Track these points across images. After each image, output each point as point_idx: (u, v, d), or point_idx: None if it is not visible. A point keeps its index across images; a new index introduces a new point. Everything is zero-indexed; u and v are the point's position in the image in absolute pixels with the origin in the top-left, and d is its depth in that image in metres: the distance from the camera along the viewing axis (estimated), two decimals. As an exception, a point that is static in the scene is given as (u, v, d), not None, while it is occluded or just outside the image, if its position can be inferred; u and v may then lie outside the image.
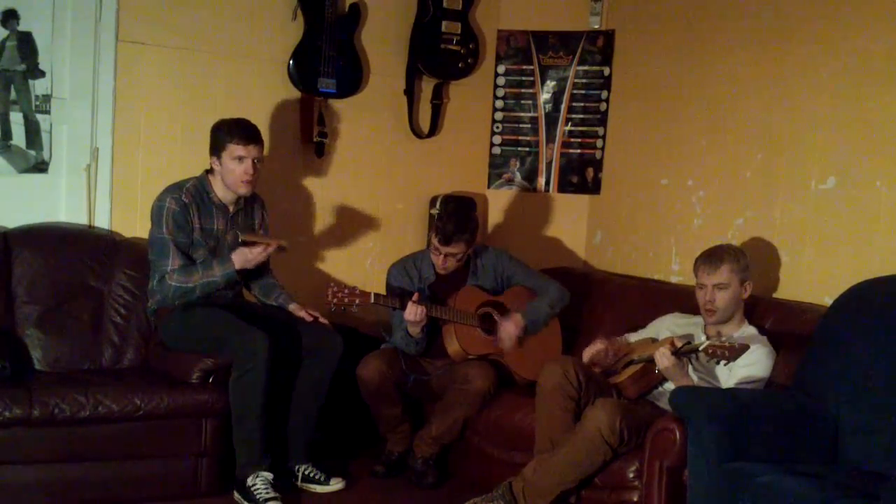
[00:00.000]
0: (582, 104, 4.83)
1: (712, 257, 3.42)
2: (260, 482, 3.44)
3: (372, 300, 3.75)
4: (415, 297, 3.77)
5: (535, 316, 3.97)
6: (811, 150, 3.72)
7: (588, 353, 3.58)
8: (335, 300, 3.70)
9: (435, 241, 3.88)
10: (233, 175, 3.65)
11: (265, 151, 3.84)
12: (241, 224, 3.81)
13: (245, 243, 3.67)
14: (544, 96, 4.89)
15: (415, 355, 3.95)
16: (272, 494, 3.42)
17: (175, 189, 3.68)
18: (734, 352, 3.07)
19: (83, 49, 3.97)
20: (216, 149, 3.66)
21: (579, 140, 4.85)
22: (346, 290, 3.72)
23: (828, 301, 3.40)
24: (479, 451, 3.82)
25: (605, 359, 3.57)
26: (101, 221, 4.05)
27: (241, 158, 3.62)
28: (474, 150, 4.95)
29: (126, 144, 4.08)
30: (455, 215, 3.91)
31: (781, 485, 2.66)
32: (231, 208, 3.76)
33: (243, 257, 3.64)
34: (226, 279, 3.65)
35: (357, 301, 3.72)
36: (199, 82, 4.21)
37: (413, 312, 3.74)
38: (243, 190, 3.70)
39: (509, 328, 3.90)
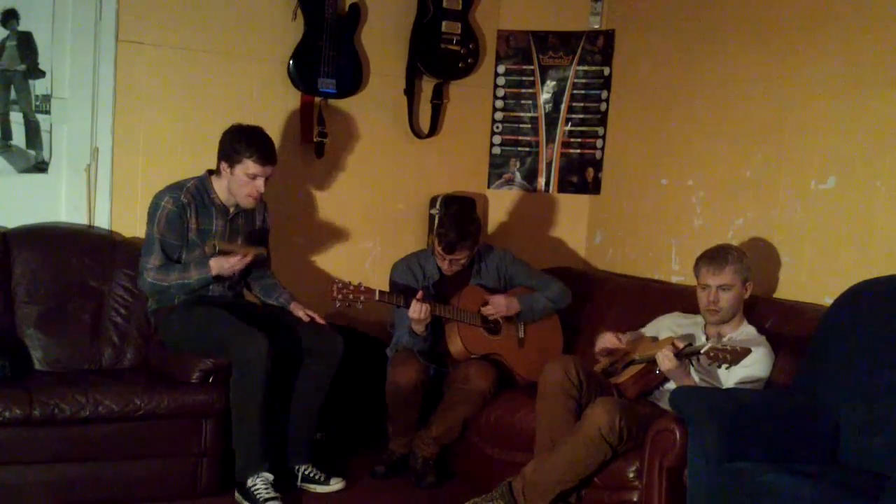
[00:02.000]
0: (582, 104, 4.83)
1: (717, 258, 3.41)
2: (260, 482, 3.44)
3: (377, 297, 3.76)
4: (419, 295, 3.78)
5: (530, 303, 3.99)
6: (811, 150, 3.72)
7: (601, 343, 3.61)
8: (340, 296, 3.71)
9: (439, 248, 3.88)
10: (242, 189, 3.64)
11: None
12: (242, 225, 3.80)
13: (223, 253, 3.64)
14: (544, 96, 4.89)
15: (429, 351, 3.95)
16: (273, 494, 3.42)
17: (175, 189, 3.67)
18: (736, 356, 3.06)
19: (83, 49, 3.97)
20: (230, 158, 3.61)
21: (579, 140, 4.85)
22: (352, 287, 3.73)
23: (828, 301, 3.39)
24: (479, 451, 3.82)
25: (619, 346, 3.58)
26: (101, 221, 4.05)
27: (255, 176, 3.62)
28: (474, 150, 4.95)
29: (126, 144, 4.07)
30: (456, 222, 3.89)
31: (781, 485, 2.66)
32: (231, 210, 3.75)
33: (219, 265, 3.62)
34: (201, 283, 3.64)
35: (362, 298, 3.74)
36: (199, 82, 4.21)
37: (417, 310, 3.75)
38: (247, 204, 3.69)
39: (500, 298, 3.94)
